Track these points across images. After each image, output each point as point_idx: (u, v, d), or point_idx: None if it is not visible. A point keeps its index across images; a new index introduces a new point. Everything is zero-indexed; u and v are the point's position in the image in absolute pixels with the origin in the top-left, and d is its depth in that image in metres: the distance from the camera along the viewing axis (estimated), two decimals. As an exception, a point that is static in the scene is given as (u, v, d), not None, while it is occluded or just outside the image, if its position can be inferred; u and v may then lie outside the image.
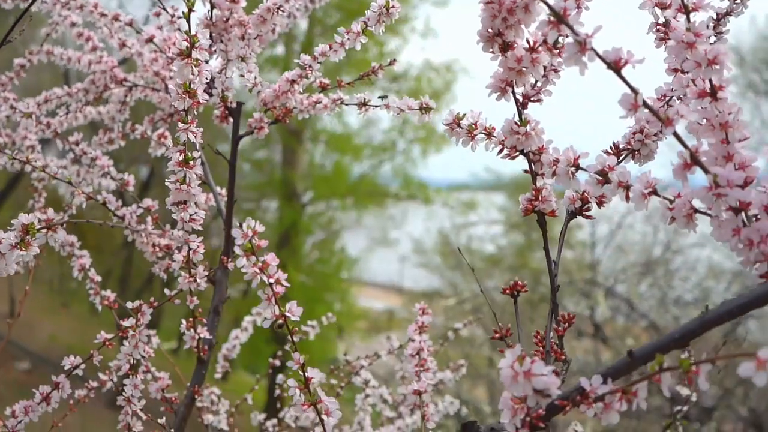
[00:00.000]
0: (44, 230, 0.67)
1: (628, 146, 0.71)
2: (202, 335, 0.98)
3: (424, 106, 0.84)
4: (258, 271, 0.63)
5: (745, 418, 5.74)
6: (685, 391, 1.18)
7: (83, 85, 1.21)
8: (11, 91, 1.21)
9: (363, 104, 0.95)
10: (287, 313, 0.64)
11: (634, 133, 0.70)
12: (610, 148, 0.71)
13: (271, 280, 0.63)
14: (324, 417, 0.66)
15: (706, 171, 0.52)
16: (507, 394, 0.54)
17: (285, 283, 0.63)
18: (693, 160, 0.53)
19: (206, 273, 0.92)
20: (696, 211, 0.56)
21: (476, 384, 6.83)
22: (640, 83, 0.54)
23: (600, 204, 0.69)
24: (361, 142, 11.39)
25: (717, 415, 5.64)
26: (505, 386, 0.51)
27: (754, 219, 0.53)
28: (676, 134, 0.52)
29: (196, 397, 0.99)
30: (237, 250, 0.63)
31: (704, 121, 0.56)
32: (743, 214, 0.52)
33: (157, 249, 1.03)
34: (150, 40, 1.01)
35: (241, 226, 0.62)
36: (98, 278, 1.10)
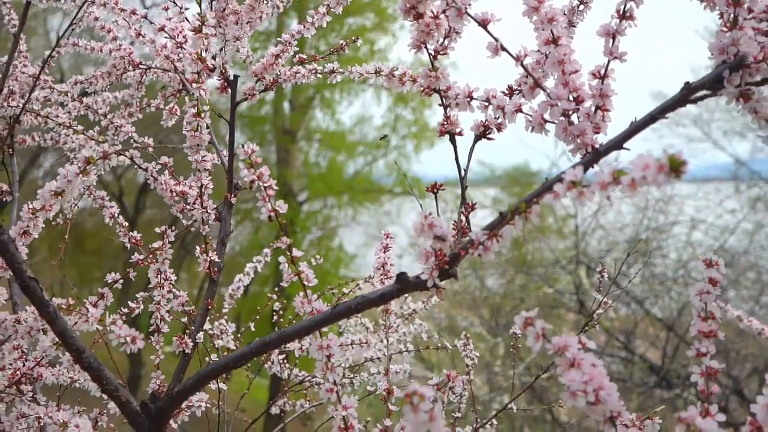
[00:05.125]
0: (101, 159, 0.93)
1: (519, 87, 0.98)
2: (212, 258, 1.25)
3: (377, 69, 1.11)
4: (256, 178, 0.90)
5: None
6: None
7: (106, 69, 1.48)
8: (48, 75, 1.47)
9: (332, 72, 1.22)
10: (277, 207, 0.91)
11: (522, 77, 0.97)
12: (507, 88, 0.98)
13: (266, 185, 0.90)
14: (305, 283, 0.93)
15: (544, 90, 0.79)
16: (423, 246, 0.80)
17: (275, 187, 0.90)
18: (536, 84, 0.80)
19: (215, 206, 1.19)
20: (546, 121, 0.83)
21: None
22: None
23: (498, 129, 0.96)
24: (354, 140, 11.66)
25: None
26: (415, 234, 0.78)
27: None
28: (523, 66, 0.79)
29: (209, 308, 1.26)
30: (241, 164, 0.89)
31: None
32: (570, 117, 0.80)
33: (174, 194, 1.30)
34: (162, 29, 1.28)
35: (243, 146, 0.89)
36: (126, 223, 1.37)
